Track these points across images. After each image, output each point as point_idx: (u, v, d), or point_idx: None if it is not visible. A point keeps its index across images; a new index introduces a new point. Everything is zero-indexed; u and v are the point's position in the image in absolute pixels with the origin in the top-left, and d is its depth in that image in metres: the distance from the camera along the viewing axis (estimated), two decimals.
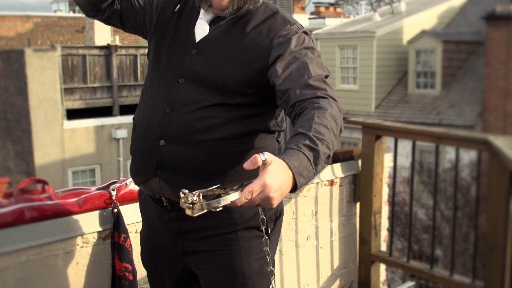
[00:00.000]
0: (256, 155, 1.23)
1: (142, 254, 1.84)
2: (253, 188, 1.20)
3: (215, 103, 1.57)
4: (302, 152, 1.29)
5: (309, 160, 1.30)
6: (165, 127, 1.59)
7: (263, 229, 1.59)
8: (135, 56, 13.83)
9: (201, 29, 1.62)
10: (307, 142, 1.32)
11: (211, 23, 1.62)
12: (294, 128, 1.42)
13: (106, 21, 1.75)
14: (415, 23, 15.19)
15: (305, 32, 1.61)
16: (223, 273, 1.62)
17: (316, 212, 2.79)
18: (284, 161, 1.25)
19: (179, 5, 1.68)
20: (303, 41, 1.57)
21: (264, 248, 1.60)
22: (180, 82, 1.60)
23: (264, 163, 1.22)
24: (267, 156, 1.23)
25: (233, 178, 1.59)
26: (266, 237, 1.60)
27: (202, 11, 1.62)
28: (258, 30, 1.60)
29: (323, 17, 20.30)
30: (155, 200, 1.70)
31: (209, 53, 1.60)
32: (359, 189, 3.00)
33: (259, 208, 1.56)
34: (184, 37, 1.64)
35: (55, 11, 30.05)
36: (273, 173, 1.21)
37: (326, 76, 1.55)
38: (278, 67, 1.54)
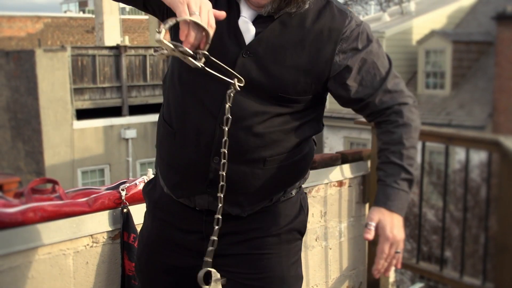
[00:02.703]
0: (367, 229, 1.43)
1: (142, 254, 1.69)
2: (386, 254, 1.43)
3: (273, 115, 1.45)
4: (401, 190, 1.46)
5: (407, 192, 1.47)
6: (220, 144, 1.41)
7: (304, 232, 1.63)
8: (144, 56, 13.87)
9: (246, 28, 1.43)
10: (403, 175, 1.46)
11: (256, 21, 1.44)
12: (382, 142, 1.51)
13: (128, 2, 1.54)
14: (425, 23, 15.14)
15: (361, 23, 1.51)
16: (261, 277, 1.55)
17: (325, 213, 2.79)
18: (390, 210, 1.44)
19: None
20: (366, 37, 1.50)
21: (299, 252, 1.63)
22: (233, 90, 1.40)
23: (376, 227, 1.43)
24: (372, 221, 1.43)
25: (287, 187, 1.57)
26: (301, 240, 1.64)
27: (243, 6, 1.44)
28: (317, 29, 1.44)
29: None
30: (186, 205, 1.57)
31: (264, 57, 1.42)
32: (368, 190, 2.99)
33: (301, 208, 1.62)
34: (228, 34, 1.43)
35: (65, 12, 30.20)
36: (385, 227, 1.43)
37: (391, 63, 1.54)
38: (347, 76, 1.47)
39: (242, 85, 1.34)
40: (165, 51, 1.26)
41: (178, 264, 1.61)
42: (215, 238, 1.46)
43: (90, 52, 13.13)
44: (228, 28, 1.43)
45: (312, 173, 2.67)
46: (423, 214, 10.52)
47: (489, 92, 12.90)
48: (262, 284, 1.54)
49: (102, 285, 2.01)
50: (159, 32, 1.22)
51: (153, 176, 1.78)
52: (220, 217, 1.45)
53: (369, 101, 1.50)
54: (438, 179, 11.05)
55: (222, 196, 1.44)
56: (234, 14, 1.44)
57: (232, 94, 1.36)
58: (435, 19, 15.58)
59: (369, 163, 2.99)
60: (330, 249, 2.85)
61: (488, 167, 2.66)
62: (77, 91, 12.73)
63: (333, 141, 14.53)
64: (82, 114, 12.72)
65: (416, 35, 14.78)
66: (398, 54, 14.52)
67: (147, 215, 1.70)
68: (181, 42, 1.26)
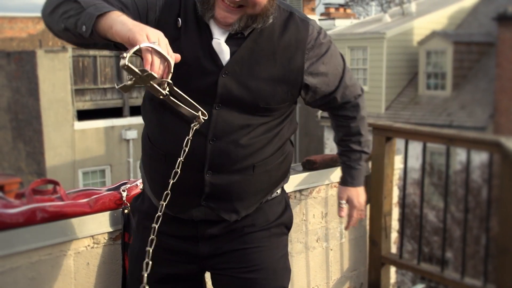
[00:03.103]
0: (340, 207, 1.98)
1: (135, 268, 1.70)
2: (355, 218, 1.98)
3: (257, 126, 1.56)
4: (362, 168, 1.94)
5: (364, 167, 1.96)
6: (212, 158, 1.52)
7: (289, 227, 1.77)
8: None
9: (220, 49, 1.50)
10: (363, 157, 1.91)
11: (227, 40, 1.51)
12: (344, 134, 1.88)
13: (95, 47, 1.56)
14: (426, 24, 15.14)
15: (320, 30, 1.64)
16: (254, 270, 1.63)
17: (326, 213, 2.78)
18: (353, 187, 1.95)
19: (179, 19, 1.51)
20: (326, 42, 1.64)
21: (286, 246, 1.75)
22: (217, 108, 1.51)
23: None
24: (343, 199, 1.97)
25: (273, 188, 1.69)
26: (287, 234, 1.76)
27: (213, 27, 1.51)
28: (285, 41, 1.55)
29: (333, 18, 20.28)
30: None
31: (242, 74, 1.51)
32: (369, 191, 2.98)
33: (287, 205, 1.77)
34: (205, 56, 1.50)
35: None
36: (353, 199, 1.96)
37: (344, 59, 1.73)
38: (316, 80, 1.63)
39: (206, 118, 1.38)
40: (129, 82, 1.23)
41: (173, 271, 1.66)
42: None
43: (91, 53, 13.13)
44: (203, 50, 1.50)
45: (313, 174, 2.68)
46: (424, 215, 10.55)
47: (490, 93, 12.89)
48: (255, 276, 1.62)
49: (103, 286, 2.01)
50: (123, 58, 1.20)
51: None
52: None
53: (332, 97, 1.73)
54: (439, 180, 11.05)
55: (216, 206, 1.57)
56: (207, 35, 1.51)
57: (196, 128, 1.38)
58: (436, 20, 15.57)
59: (370, 164, 2.98)
60: (331, 250, 2.84)
61: (489, 168, 2.66)
62: (78, 92, 12.74)
63: (333, 142, 14.51)
64: (83, 115, 12.73)
65: (417, 36, 14.78)
66: (399, 55, 14.52)
67: (136, 229, 1.75)
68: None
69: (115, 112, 13.31)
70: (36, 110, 12.23)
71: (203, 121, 1.37)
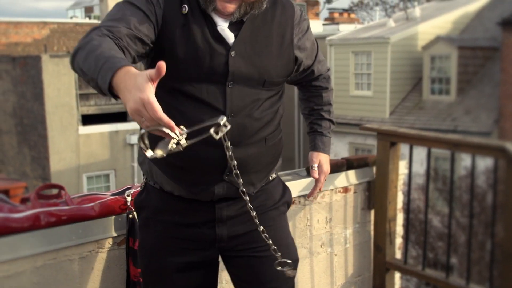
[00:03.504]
0: (313, 170, 2.10)
1: (149, 262, 1.78)
2: (321, 182, 2.13)
3: (264, 99, 1.71)
4: (330, 137, 2.11)
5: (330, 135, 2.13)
6: (231, 132, 1.58)
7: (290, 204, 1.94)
8: None
9: (225, 34, 1.64)
10: (332, 126, 2.10)
11: (229, 27, 1.65)
12: (316, 104, 2.05)
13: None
14: (430, 29, 15.13)
15: (301, 9, 1.83)
16: (269, 248, 1.73)
17: (330, 219, 2.78)
18: (324, 153, 2.11)
19: (185, 6, 1.63)
20: (306, 20, 1.83)
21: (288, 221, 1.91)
22: (229, 86, 1.64)
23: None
24: (316, 163, 2.10)
25: (276, 163, 1.85)
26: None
27: (215, 17, 1.64)
28: (277, 21, 1.72)
29: (337, 23, 20.29)
30: (194, 200, 1.72)
31: (248, 52, 1.66)
32: (373, 196, 2.98)
33: (284, 184, 1.92)
34: (215, 41, 1.63)
35: (71, 18, 30.37)
36: (323, 164, 2.11)
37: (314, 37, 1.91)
38: (302, 53, 1.81)
39: (228, 127, 1.41)
40: (159, 153, 1.34)
41: (191, 260, 1.74)
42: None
43: None
44: (211, 34, 1.63)
45: None
46: (429, 220, 10.52)
47: (495, 98, 12.87)
48: (270, 253, 1.71)
49: None
50: (146, 151, 1.33)
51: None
52: (243, 194, 1.66)
53: (310, 71, 1.94)
54: (444, 186, 11.02)
55: (239, 180, 1.64)
56: (212, 24, 1.64)
57: (222, 135, 1.43)
58: (440, 25, 15.57)
59: (374, 169, 2.98)
60: (336, 255, 2.84)
61: (494, 173, 2.65)
62: (83, 97, 12.78)
63: (338, 147, 14.51)
64: (87, 120, 12.76)
65: (421, 41, 14.77)
66: (403, 59, 14.51)
67: (144, 225, 1.80)
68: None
69: (120, 117, 13.33)
70: (41, 114, 12.27)
71: (227, 128, 1.41)
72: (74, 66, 1.52)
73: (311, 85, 2.02)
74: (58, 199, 2.03)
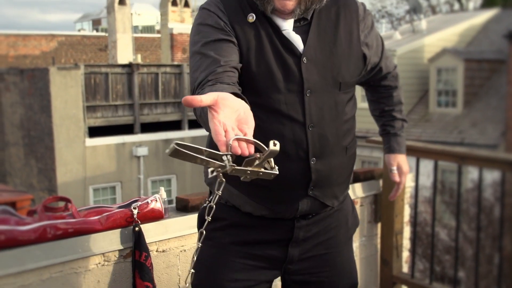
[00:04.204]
0: (393, 173, 2.03)
1: (207, 274, 1.65)
2: (403, 183, 2.05)
3: (342, 104, 1.64)
4: (404, 136, 2.02)
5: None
6: (313, 144, 1.57)
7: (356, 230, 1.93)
8: (157, 74, 13.98)
9: (291, 38, 1.57)
10: (405, 125, 2.00)
11: (294, 29, 1.59)
12: (387, 105, 1.95)
13: None
14: (436, 42, 15.14)
15: (361, 2, 1.73)
16: (336, 273, 1.72)
17: None
18: (400, 154, 2.01)
19: (252, 15, 1.57)
20: (370, 13, 1.73)
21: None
22: (307, 95, 1.57)
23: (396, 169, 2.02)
24: (394, 165, 2.02)
25: (352, 174, 1.78)
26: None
27: (277, 20, 1.57)
28: (342, 17, 1.64)
29: None
30: (274, 218, 1.63)
31: (318, 56, 1.58)
32: (380, 209, 2.97)
33: (353, 204, 1.85)
34: (283, 48, 1.56)
35: (78, 30, 30.62)
36: (402, 166, 2.02)
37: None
38: (370, 51, 1.71)
39: (277, 148, 1.16)
40: (248, 177, 1.19)
41: (250, 278, 1.66)
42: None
43: (103, 70, 13.25)
44: (281, 43, 1.56)
45: None
46: (436, 233, 10.46)
47: (502, 110, 12.83)
48: (337, 278, 1.72)
49: None
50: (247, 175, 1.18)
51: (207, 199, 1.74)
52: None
53: (378, 68, 1.81)
54: (451, 198, 10.97)
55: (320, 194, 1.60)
56: (276, 28, 1.58)
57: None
58: (447, 38, 15.58)
59: (381, 182, 2.97)
60: None
61: (502, 187, 2.64)
62: (90, 109, 12.83)
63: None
64: (94, 132, 12.80)
65: (428, 53, 14.78)
66: (409, 72, 14.51)
67: (207, 238, 1.55)
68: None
69: (126, 129, 13.37)
70: (48, 126, 12.33)
71: (276, 149, 1.17)
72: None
73: (380, 85, 1.92)
74: (65, 211, 2.03)
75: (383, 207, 2.95)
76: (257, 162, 1.16)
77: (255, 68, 1.54)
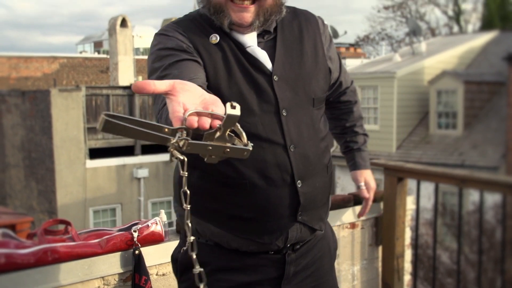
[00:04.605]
0: (361, 189, 2.04)
1: None
2: (371, 199, 2.07)
3: (317, 120, 1.58)
4: (367, 151, 1.97)
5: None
6: (297, 166, 1.49)
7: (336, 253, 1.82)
8: None
9: (256, 54, 1.50)
10: (367, 140, 1.95)
11: (259, 45, 1.52)
12: (348, 121, 1.90)
13: None
14: (436, 64, 15.22)
15: (319, 16, 1.69)
16: None
17: (338, 255, 2.75)
18: (366, 169, 1.98)
19: (216, 36, 1.49)
20: (327, 25, 1.69)
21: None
22: (284, 114, 1.49)
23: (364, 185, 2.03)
24: (362, 181, 2.02)
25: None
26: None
27: (239, 37, 1.50)
28: (305, 32, 1.59)
29: (344, 58, 20.47)
30: (262, 253, 1.54)
31: (289, 73, 1.52)
32: (381, 232, 2.96)
33: (333, 233, 1.77)
34: (251, 67, 1.49)
35: (80, 52, 30.80)
36: (370, 181, 2.02)
37: None
38: (332, 61, 1.66)
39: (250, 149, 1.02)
40: (213, 157, 0.98)
41: None
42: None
43: (104, 91, 13.30)
44: (248, 61, 1.49)
45: None
46: (437, 256, 10.37)
47: (502, 132, 12.84)
48: None
49: None
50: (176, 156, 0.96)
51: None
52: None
53: (339, 83, 1.77)
54: (452, 221, 10.92)
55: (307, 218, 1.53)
56: (240, 46, 1.50)
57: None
58: (446, 60, 15.66)
59: (381, 204, 2.96)
60: None
61: (503, 209, 2.63)
62: (91, 130, 12.86)
63: (345, 181, 14.45)
64: (95, 153, 12.81)
65: (428, 75, 14.85)
66: (409, 94, 14.56)
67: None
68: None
69: (127, 151, 13.38)
70: (49, 148, 12.34)
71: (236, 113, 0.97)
72: None
73: (339, 101, 1.85)
74: (65, 234, 2.03)
75: (384, 230, 2.94)
76: (218, 134, 0.96)
77: (225, 91, 1.45)
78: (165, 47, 1.44)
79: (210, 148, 0.95)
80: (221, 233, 1.52)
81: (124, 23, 15.20)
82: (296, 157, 1.49)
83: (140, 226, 2.07)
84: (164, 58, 1.42)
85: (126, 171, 13.16)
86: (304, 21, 1.61)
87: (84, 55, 25.27)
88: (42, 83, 20.47)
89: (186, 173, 1.01)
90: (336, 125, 1.93)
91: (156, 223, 2.09)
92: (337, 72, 1.72)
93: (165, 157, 13.60)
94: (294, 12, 1.62)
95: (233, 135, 1.00)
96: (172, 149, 0.94)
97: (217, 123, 0.95)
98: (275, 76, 1.49)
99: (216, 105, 0.99)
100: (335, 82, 1.74)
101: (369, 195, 2.02)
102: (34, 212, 12.73)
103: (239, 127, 0.99)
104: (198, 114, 0.95)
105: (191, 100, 0.98)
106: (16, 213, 9.74)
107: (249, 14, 1.47)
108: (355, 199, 2.87)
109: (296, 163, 1.49)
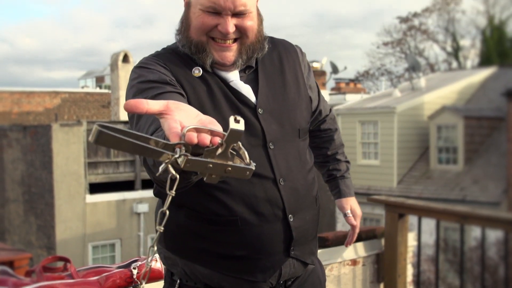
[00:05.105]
0: (348, 217, 1.90)
1: None
2: (358, 227, 1.94)
3: (304, 152, 1.57)
4: (350, 178, 1.92)
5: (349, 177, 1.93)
6: (288, 200, 1.47)
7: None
8: None
9: (240, 88, 1.48)
10: (349, 167, 1.92)
11: (241, 79, 1.51)
12: (330, 149, 1.86)
13: None
14: (435, 99, 15.32)
15: (297, 45, 1.68)
16: None
17: None
18: (351, 196, 1.90)
19: (199, 69, 1.47)
20: (305, 54, 1.67)
21: None
22: (271, 147, 1.47)
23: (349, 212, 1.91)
24: (348, 209, 1.90)
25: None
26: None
27: (223, 73, 1.48)
28: (285, 61, 1.59)
29: (344, 93, 20.63)
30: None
31: (273, 106, 1.51)
32: (382, 269, 2.93)
33: (321, 265, 1.71)
34: (239, 101, 1.47)
35: (82, 87, 31.04)
36: (355, 208, 1.91)
37: None
38: (312, 90, 1.65)
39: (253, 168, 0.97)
40: (214, 176, 0.93)
41: None
42: None
43: None
44: (233, 94, 1.47)
45: (325, 251, 2.65)
46: None
47: (503, 167, 12.83)
48: None
49: None
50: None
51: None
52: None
53: (318, 111, 1.74)
54: (455, 257, 10.82)
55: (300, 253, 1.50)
56: (223, 81, 1.48)
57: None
58: (446, 95, 15.77)
59: (383, 241, 2.94)
60: None
61: (505, 245, 2.61)
62: (91, 165, 12.86)
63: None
64: (95, 188, 12.78)
65: (427, 111, 14.92)
66: (409, 129, 14.61)
67: None
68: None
69: (127, 185, 13.36)
70: (49, 183, 12.32)
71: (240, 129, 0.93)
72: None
73: (319, 130, 1.83)
74: (64, 272, 2.01)
75: (385, 267, 2.91)
76: (219, 151, 0.90)
77: None
78: (146, 80, 1.40)
79: (211, 166, 0.89)
80: (211, 274, 1.47)
81: (126, 59, 15.36)
82: (287, 190, 1.47)
83: (139, 263, 2.05)
84: (146, 90, 1.37)
85: (126, 206, 13.11)
86: (284, 51, 1.61)
87: (86, 90, 25.46)
88: (43, 118, 20.57)
89: (174, 192, 0.96)
90: (318, 154, 1.89)
91: (156, 260, 2.07)
92: (316, 100, 1.70)
93: None
94: (272, 42, 1.60)
95: (234, 153, 0.94)
96: (168, 164, 0.87)
97: (218, 140, 0.90)
98: (259, 109, 1.48)
99: (214, 124, 0.96)
100: (315, 110, 1.71)
101: (356, 222, 1.94)
102: (33, 248, 12.63)
103: (241, 144, 0.94)
104: (197, 130, 0.89)
105: (188, 119, 0.95)
106: (14, 249, 9.66)
107: (231, 53, 1.46)
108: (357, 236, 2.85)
109: (287, 197, 1.47)
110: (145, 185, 13.58)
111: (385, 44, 31.56)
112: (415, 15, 31.13)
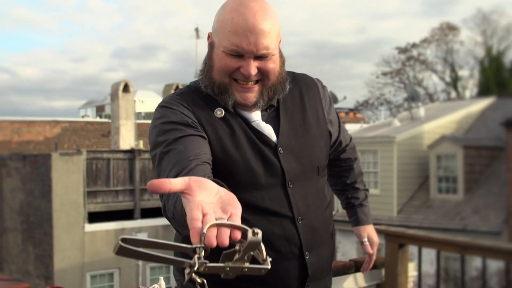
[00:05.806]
0: (365, 245, 1.91)
1: None
2: (375, 255, 1.96)
3: (322, 188, 1.60)
4: (369, 206, 1.92)
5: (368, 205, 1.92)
6: (305, 238, 1.50)
7: None
8: None
9: (262, 128, 1.51)
10: (368, 195, 1.91)
11: (262, 119, 1.53)
12: (349, 177, 1.87)
13: None
14: (435, 129, 15.37)
15: (315, 78, 1.70)
16: None
17: None
18: (369, 224, 1.89)
19: (221, 109, 1.50)
20: (325, 87, 1.70)
21: None
22: (290, 186, 1.50)
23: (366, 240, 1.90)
24: (365, 237, 1.89)
25: None
26: None
27: (244, 113, 1.51)
28: (306, 98, 1.60)
29: (344, 122, 20.62)
30: None
31: (293, 144, 1.53)
32: None
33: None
34: (260, 141, 1.50)
35: (82, 116, 31.16)
36: (373, 236, 1.91)
37: None
38: (332, 124, 1.68)
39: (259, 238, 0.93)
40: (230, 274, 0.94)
41: None
42: None
43: (105, 155, 13.37)
44: (254, 134, 1.50)
45: None
46: None
47: (503, 197, 12.80)
48: None
49: None
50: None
51: None
52: None
53: (338, 142, 1.76)
54: (455, 287, 10.71)
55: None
56: (244, 121, 1.51)
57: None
58: (445, 125, 15.83)
59: (383, 271, 2.92)
60: None
61: (506, 275, 2.59)
62: (90, 194, 12.83)
63: (346, 246, 14.29)
64: (94, 217, 12.73)
65: (427, 140, 14.96)
66: (409, 158, 14.62)
67: None
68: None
69: (126, 215, 13.30)
70: (48, 212, 12.27)
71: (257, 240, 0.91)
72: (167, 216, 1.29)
73: (339, 159, 1.84)
74: None
75: None
76: (237, 256, 0.93)
77: (233, 165, 1.45)
78: (169, 121, 1.44)
79: (228, 269, 0.92)
80: None
81: (126, 88, 15.45)
82: (304, 229, 1.50)
83: None
84: (168, 132, 1.41)
85: (125, 235, 13.01)
86: (305, 86, 1.62)
87: (86, 119, 25.57)
88: (43, 147, 20.59)
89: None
90: (337, 182, 1.91)
91: None
92: (336, 132, 1.73)
93: (164, 221, 13.50)
94: (293, 78, 1.62)
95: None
96: (192, 274, 0.90)
97: (238, 234, 0.92)
98: (280, 148, 1.50)
99: (234, 206, 0.96)
100: (335, 141, 1.74)
101: (372, 250, 1.95)
102: (30, 277, 12.51)
103: (261, 245, 0.94)
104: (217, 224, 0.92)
105: (208, 199, 0.96)
106: (11, 279, 9.57)
107: (253, 94, 1.48)
108: (356, 266, 2.83)
109: (304, 235, 1.50)
110: (144, 214, 13.53)
111: (384, 74, 31.82)
112: (414, 45, 31.47)
